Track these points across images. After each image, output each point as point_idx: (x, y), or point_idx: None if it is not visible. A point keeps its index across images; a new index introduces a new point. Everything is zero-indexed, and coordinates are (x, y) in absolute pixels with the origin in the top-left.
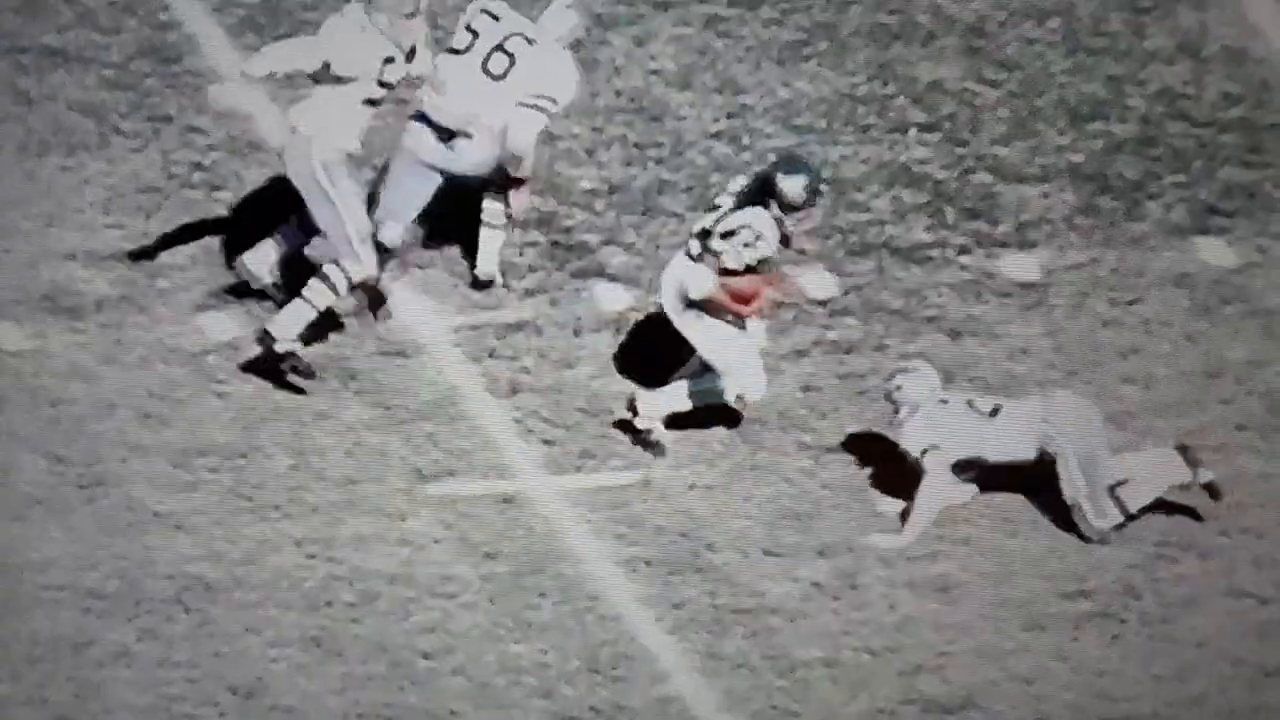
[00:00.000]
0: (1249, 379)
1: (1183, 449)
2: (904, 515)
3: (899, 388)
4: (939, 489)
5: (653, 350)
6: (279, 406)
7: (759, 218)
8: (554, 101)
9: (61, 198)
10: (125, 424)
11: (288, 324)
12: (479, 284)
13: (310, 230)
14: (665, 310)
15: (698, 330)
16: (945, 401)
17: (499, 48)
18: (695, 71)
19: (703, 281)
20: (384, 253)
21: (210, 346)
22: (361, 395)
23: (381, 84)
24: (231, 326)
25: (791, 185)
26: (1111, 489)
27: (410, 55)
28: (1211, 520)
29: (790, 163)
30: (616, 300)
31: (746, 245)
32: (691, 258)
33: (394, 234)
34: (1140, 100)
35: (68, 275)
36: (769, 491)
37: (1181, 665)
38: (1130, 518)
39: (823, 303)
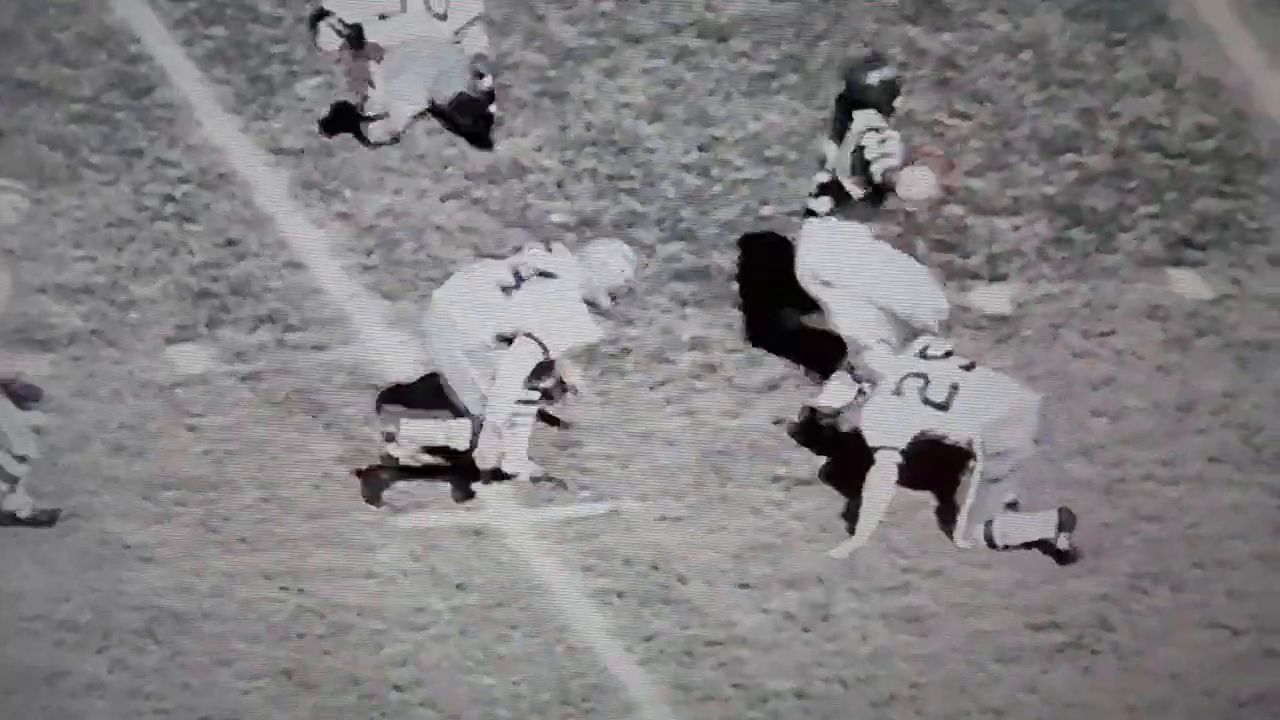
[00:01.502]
0: (1223, 411)
1: (1063, 513)
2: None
3: (852, 368)
4: (886, 486)
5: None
6: (249, 440)
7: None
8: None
9: (33, 231)
10: (97, 457)
11: (415, 433)
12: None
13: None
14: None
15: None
16: (900, 393)
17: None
18: (666, 104)
19: (923, 180)
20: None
21: (181, 380)
22: (330, 429)
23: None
24: (202, 360)
25: (878, 75)
26: (989, 522)
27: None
28: (1185, 551)
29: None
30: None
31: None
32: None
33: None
34: (1113, 132)
35: (39, 309)
36: (739, 523)
37: (1155, 697)
38: (993, 547)
39: None
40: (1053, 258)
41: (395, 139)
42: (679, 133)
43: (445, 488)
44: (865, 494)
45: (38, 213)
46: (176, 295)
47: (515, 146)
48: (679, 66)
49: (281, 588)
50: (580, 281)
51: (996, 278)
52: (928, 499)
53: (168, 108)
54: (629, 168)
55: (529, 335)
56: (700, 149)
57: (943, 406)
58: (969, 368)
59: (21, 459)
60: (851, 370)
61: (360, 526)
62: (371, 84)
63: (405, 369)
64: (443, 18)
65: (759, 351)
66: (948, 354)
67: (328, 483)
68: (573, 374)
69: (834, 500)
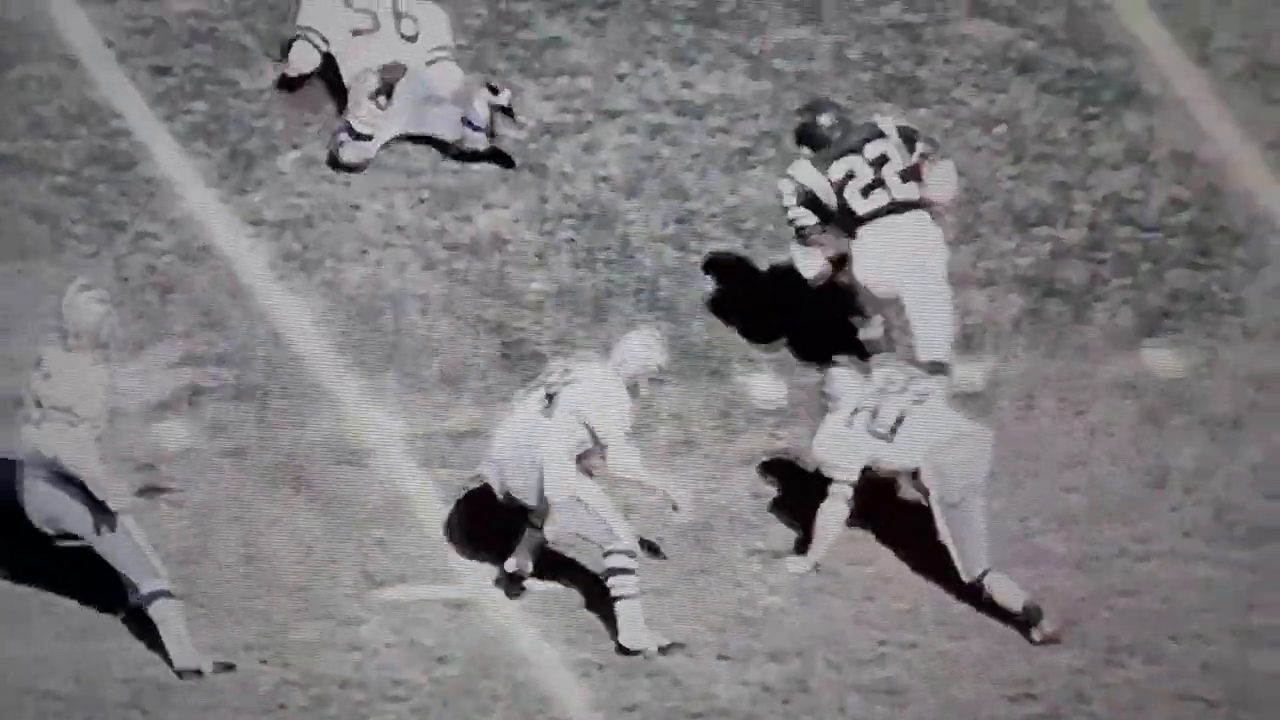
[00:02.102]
0: (1196, 487)
1: (1030, 608)
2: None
3: (822, 387)
4: (837, 515)
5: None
6: (231, 514)
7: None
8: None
9: (15, 304)
10: None
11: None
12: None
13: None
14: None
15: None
16: (850, 424)
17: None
18: (643, 178)
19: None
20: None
21: (165, 455)
22: (313, 502)
23: None
24: (185, 436)
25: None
26: (985, 571)
27: None
28: (1159, 625)
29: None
30: None
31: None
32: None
33: None
34: (1087, 205)
35: (24, 383)
36: (719, 596)
37: None
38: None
39: (772, 410)
40: (1026, 331)
41: (365, 164)
42: (656, 206)
43: (426, 562)
44: (817, 523)
45: (18, 281)
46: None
47: (495, 219)
48: (656, 142)
49: (263, 660)
50: (618, 373)
51: (971, 351)
52: (900, 571)
53: (149, 182)
54: (607, 240)
55: (578, 417)
56: (678, 221)
57: (886, 437)
58: (921, 400)
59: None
60: (823, 394)
61: (342, 599)
62: (388, 95)
63: (383, 440)
64: (413, 39)
65: (736, 425)
66: (906, 388)
67: (310, 556)
68: (675, 490)
69: (812, 573)
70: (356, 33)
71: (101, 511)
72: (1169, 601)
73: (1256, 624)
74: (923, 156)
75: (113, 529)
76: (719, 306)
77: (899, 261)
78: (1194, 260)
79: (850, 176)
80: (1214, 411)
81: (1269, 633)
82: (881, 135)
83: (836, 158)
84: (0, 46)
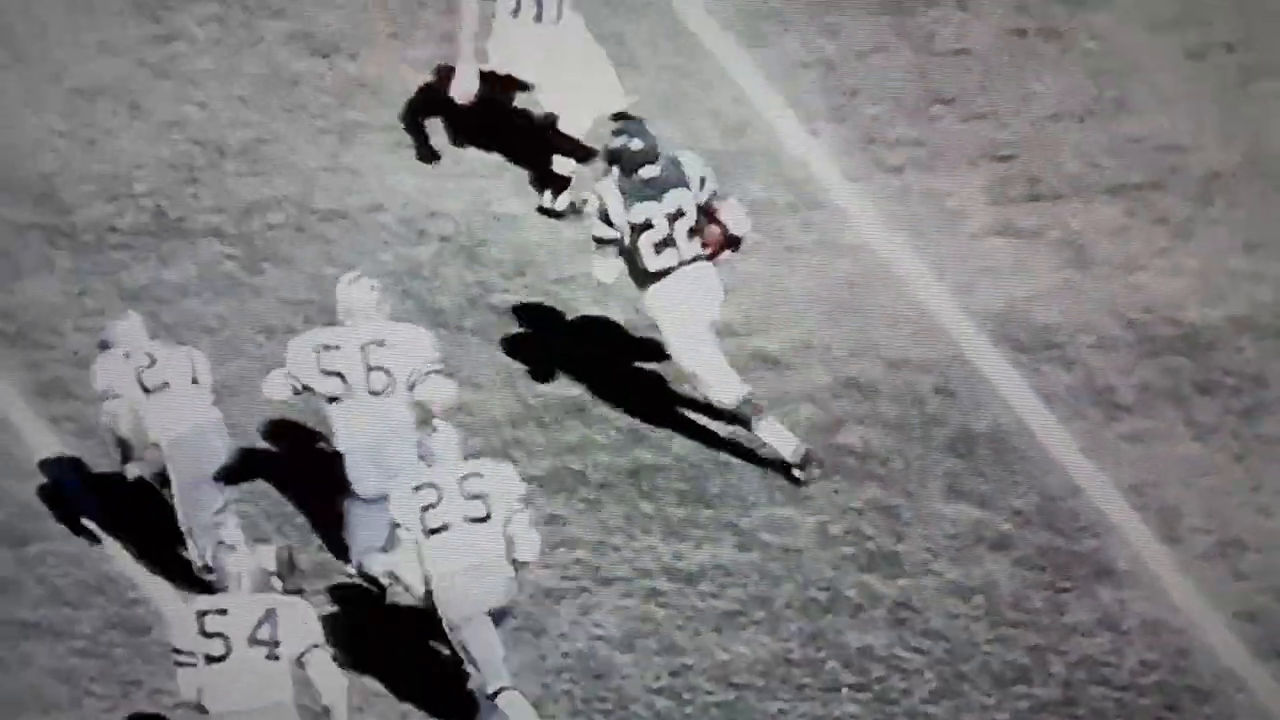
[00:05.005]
0: None
1: None
2: None
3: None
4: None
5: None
6: None
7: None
8: None
9: None
10: None
11: None
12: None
13: None
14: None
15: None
16: (414, 494)
17: None
18: (637, 637)
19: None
20: None
21: None
22: None
23: None
24: None
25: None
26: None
27: None
28: None
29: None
30: None
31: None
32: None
33: None
34: (1062, 667)
35: None
36: None
37: None
38: None
39: None
40: None
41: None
42: (650, 662)
43: None
44: None
45: None
46: None
47: None
48: (649, 604)
49: None
50: None
51: None
52: None
53: (164, 645)
54: (602, 691)
55: None
56: (671, 675)
57: (423, 536)
58: (470, 519)
59: None
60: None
61: None
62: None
63: None
64: (378, 394)
65: None
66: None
67: None
68: None
69: None
70: (333, 400)
71: None
72: None
73: None
74: (714, 197)
75: None
76: None
77: (689, 312)
78: (1164, 715)
79: (648, 226)
80: None
81: None
82: (684, 181)
83: (640, 200)
84: (20, 525)
